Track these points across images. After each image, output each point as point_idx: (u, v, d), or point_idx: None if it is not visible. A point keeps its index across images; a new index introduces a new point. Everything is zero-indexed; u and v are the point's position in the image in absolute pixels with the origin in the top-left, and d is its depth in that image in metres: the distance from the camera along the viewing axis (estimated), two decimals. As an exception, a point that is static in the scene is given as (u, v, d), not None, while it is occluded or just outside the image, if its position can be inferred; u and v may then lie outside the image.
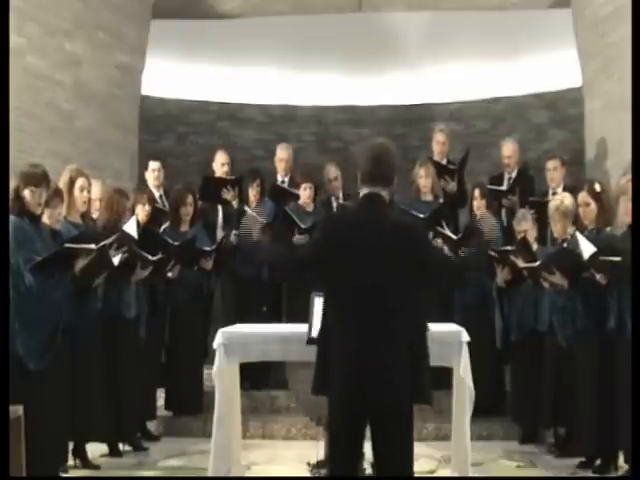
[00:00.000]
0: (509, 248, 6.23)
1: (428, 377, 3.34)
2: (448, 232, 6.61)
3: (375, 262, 3.22)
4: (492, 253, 6.35)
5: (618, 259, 4.89)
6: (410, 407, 3.29)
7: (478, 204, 6.82)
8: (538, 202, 6.73)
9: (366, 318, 3.21)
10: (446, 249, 6.72)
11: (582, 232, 5.34)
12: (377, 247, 3.23)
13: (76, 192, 5.45)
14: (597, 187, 5.41)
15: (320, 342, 3.38)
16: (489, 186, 7.17)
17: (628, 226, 5.08)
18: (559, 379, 5.64)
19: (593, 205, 5.38)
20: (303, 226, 6.89)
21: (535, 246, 6.11)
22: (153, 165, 7.26)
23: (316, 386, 3.38)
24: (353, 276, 3.24)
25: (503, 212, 7.22)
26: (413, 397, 3.26)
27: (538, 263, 5.61)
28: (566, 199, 5.78)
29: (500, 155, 7.51)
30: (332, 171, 7.52)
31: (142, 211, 6.28)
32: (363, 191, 3.40)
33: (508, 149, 7.43)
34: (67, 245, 4.74)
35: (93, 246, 4.81)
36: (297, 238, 6.97)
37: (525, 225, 6.19)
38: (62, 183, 5.35)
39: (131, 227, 5.33)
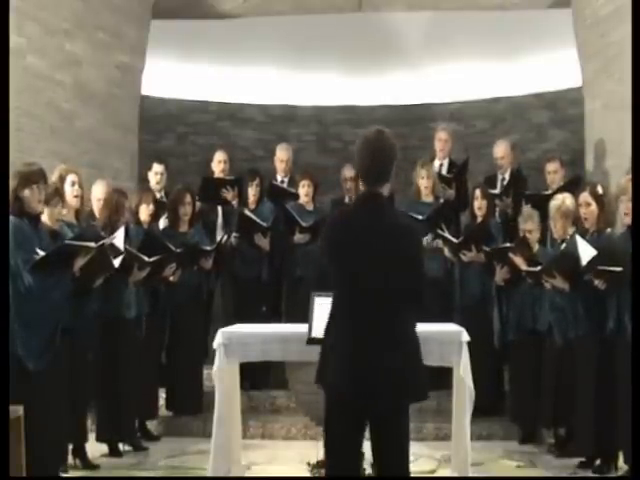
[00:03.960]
0: (508, 245, 6.23)
1: (423, 374, 3.32)
2: (448, 235, 6.60)
3: (374, 263, 3.21)
4: (489, 250, 6.36)
5: (619, 269, 4.88)
6: (406, 406, 3.28)
7: (479, 204, 6.76)
8: (535, 195, 6.73)
9: (366, 317, 3.21)
10: (447, 251, 6.73)
11: (583, 235, 5.33)
12: (376, 249, 3.22)
13: (67, 187, 5.45)
14: (599, 189, 5.41)
15: (325, 335, 3.34)
16: None
17: (627, 227, 5.08)
18: (559, 379, 5.64)
19: (594, 206, 5.38)
20: (304, 224, 6.89)
21: (536, 246, 6.10)
22: (157, 168, 7.18)
23: (317, 376, 3.34)
24: (353, 277, 3.23)
25: (497, 213, 7.20)
26: (409, 396, 3.25)
27: (539, 268, 5.62)
28: (567, 199, 5.77)
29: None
30: (348, 171, 7.52)
31: (146, 210, 6.29)
32: (362, 189, 3.35)
33: (500, 150, 7.44)
34: (67, 242, 4.74)
35: (93, 244, 4.82)
36: (298, 237, 6.98)
37: (530, 225, 6.16)
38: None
39: (119, 241, 5.34)
